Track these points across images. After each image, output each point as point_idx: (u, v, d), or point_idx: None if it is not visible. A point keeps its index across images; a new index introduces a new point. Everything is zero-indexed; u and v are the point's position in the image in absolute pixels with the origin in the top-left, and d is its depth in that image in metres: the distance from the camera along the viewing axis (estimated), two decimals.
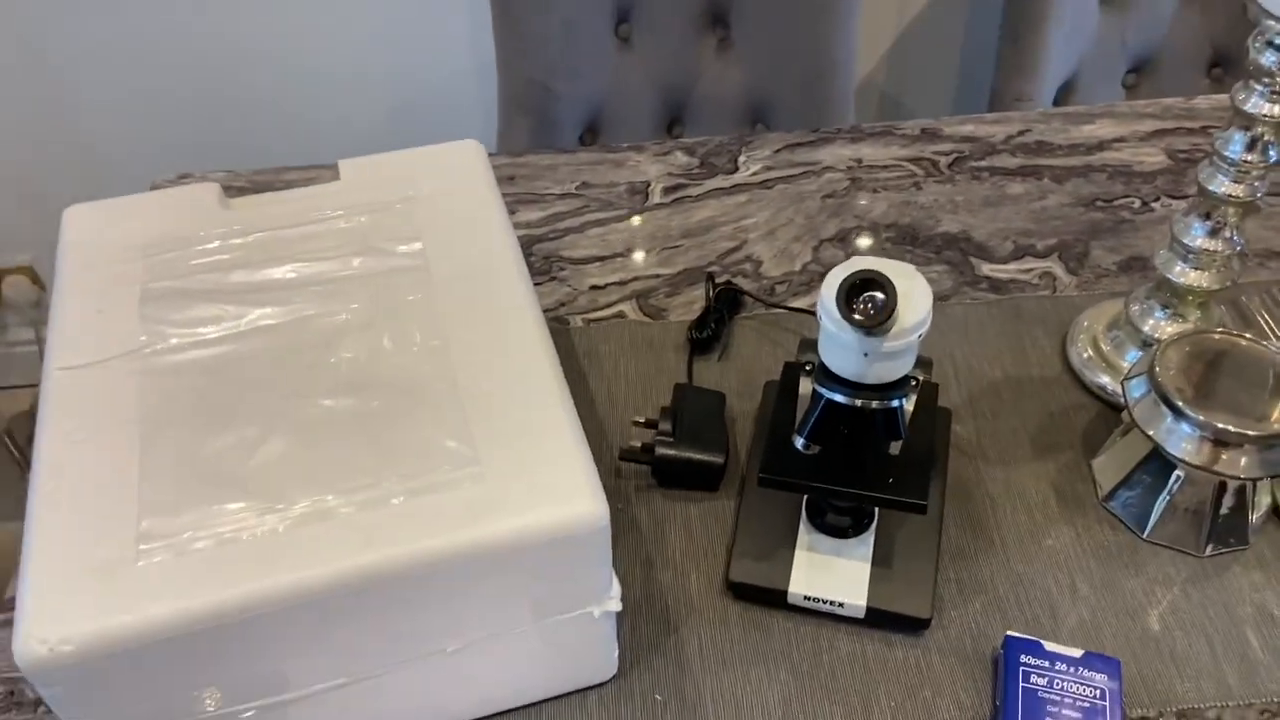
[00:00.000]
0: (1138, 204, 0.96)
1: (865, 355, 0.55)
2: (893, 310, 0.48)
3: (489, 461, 0.55)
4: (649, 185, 0.99)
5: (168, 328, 0.62)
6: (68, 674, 0.49)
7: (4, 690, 0.65)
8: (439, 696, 0.60)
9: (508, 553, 0.53)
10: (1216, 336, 0.69)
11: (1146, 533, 0.71)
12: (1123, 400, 0.69)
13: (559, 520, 0.53)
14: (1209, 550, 0.70)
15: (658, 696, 0.64)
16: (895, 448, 0.62)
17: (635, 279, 0.90)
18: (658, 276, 0.90)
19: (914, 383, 0.60)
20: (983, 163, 1.01)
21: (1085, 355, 0.81)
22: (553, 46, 1.30)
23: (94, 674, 0.49)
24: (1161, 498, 0.70)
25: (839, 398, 0.57)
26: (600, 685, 0.64)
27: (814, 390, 0.59)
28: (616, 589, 0.59)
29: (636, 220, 0.96)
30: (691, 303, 0.88)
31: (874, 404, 0.57)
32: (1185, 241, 0.73)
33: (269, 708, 0.55)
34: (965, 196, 0.97)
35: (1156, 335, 0.77)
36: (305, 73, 1.54)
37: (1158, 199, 0.96)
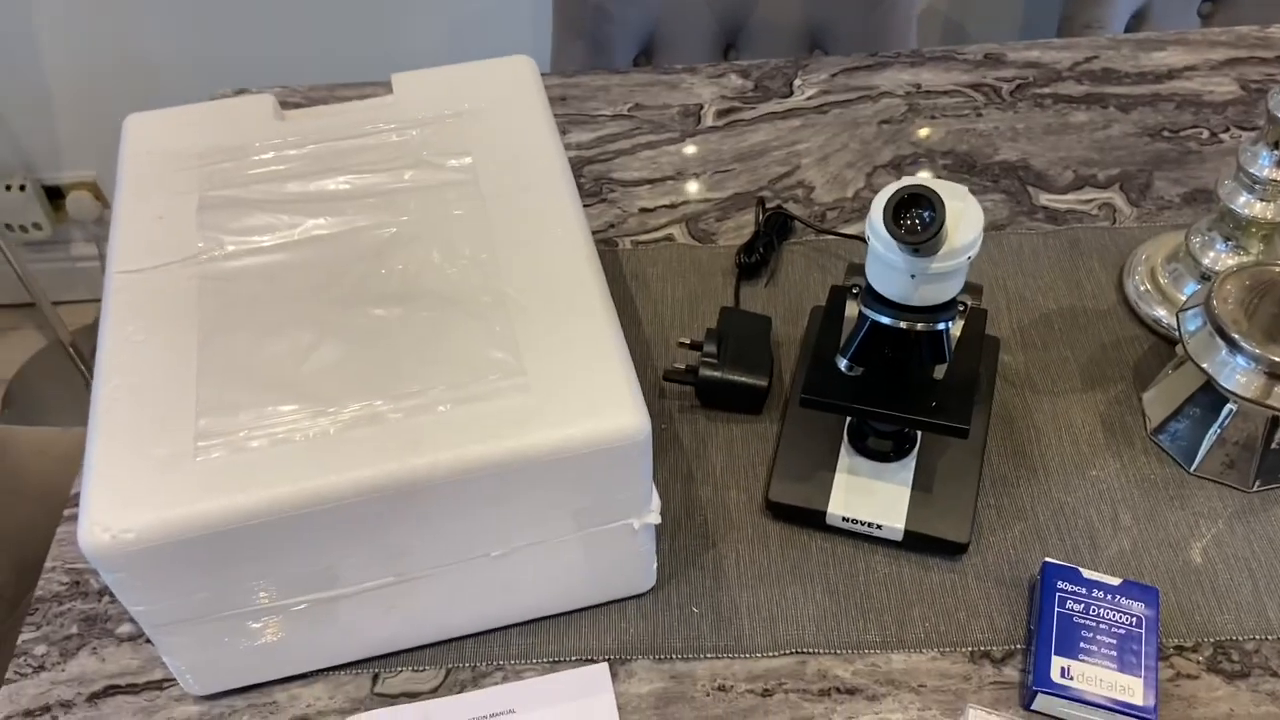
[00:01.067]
0: (1206, 134, 0.93)
1: (912, 277, 0.55)
2: (941, 226, 0.48)
3: (534, 373, 0.56)
4: (702, 108, 0.98)
5: (224, 235, 0.63)
6: (129, 560, 0.51)
7: (69, 580, 0.68)
8: (482, 600, 0.62)
9: (550, 462, 0.54)
10: (1277, 269, 0.67)
11: (1194, 466, 0.70)
12: (1177, 332, 0.68)
13: (600, 432, 0.54)
14: (1257, 485, 0.69)
15: (695, 609, 0.65)
16: (939, 371, 0.61)
17: (685, 202, 0.90)
18: (708, 200, 0.90)
19: (961, 307, 0.59)
20: (1046, 90, 0.98)
21: (1142, 288, 0.80)
22: None
23: (153, 561, 0.51)
24: (1211, 432, 0.69)
25: (884, 319, 0.57)
26: (639, 596, 0.66)
27: (859, 312, 0.59)
28: (656, 502, 0.60)
29: (688, 143, 0.95)
30: (741, 227, 0.88)
31: (919, 326, 0.57)
32: (1252, 171, 0.71)
33: (319, 602, 0.58)
34: (1026, 124, 0.95)
35: (1216, 268, 0.75)
36: None
37: (1227, 130, 0.93)
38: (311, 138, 0.69)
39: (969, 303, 0.61)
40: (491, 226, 0.63)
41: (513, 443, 0.53)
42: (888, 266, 0.55)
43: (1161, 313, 0.78)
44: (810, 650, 0.64)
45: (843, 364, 0.61)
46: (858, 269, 0.65)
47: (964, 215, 0.54)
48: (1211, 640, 0.63)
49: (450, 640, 0.64)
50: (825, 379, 0.62)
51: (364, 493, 0.52)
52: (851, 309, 0.63)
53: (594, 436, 0.54)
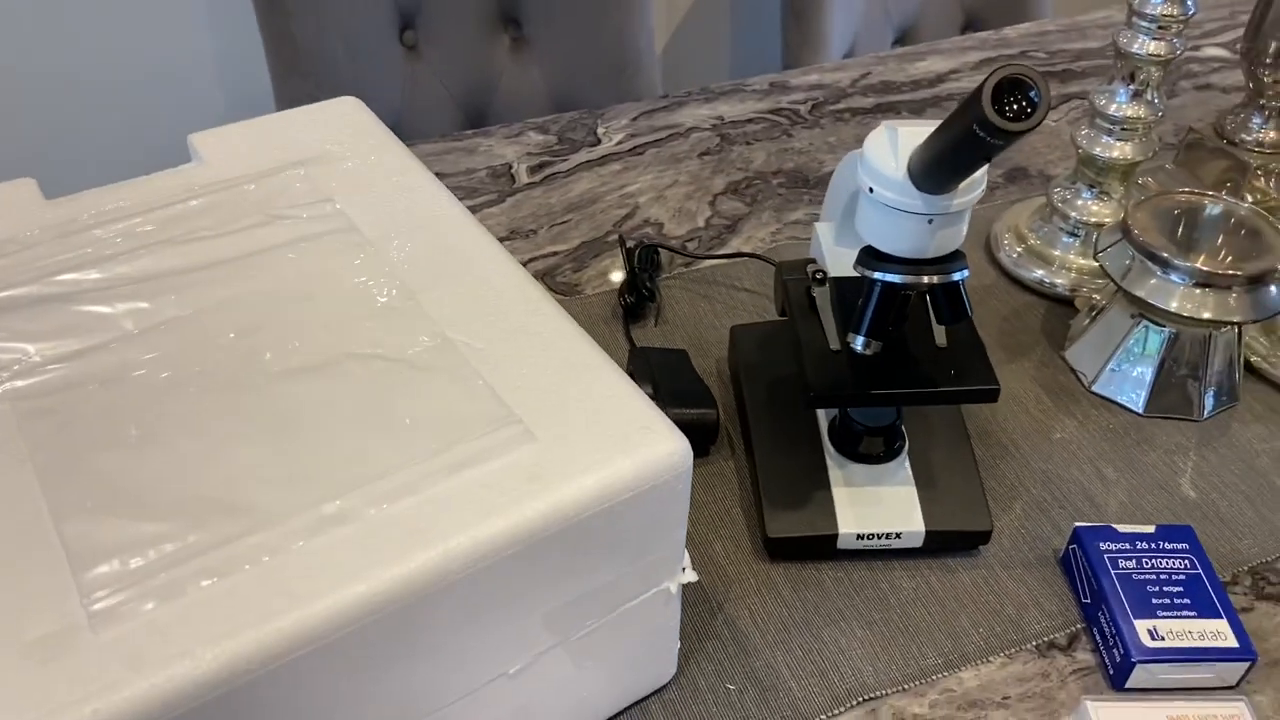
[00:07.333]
0: None
1: (930, 222, 0.48)
2: (1047, 109, 0.41)
3: (530, 416, 0.43)
4: (511, 166, 0.89)
5: (24, 343, 0.45)
6: None
7: None
8: None
9: (591, 518, 0.41)
10: (1179, 196, 0.68)
11: (1142, 407, 0.68)
12: (1105, 274, 0.67)
13: (642, 465, 0.42)
14: (1206, 413, 0.68)
15: (729, 686, 0.54)
16: (940, 336, 0.55)
17: (532, 259, 0.80)
18: (555, 253, 0.80)
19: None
20: (840, 105, 0.98)
21: (1014, 254, 0.79)
22: (334, 61, 1.17)
23: None
24: (1151, 370, 0.67)
25: (895, 279, 0.50)
26: (661, 690, 0.53)
27: (867, 278, 0.51)
28: (686, 557, 0.49)
29: (509, 203, 0.85)
30: (602, 274, 0.78)
31: (935, 279, 0.50)
32: (1110, 113, 0.72)
33: None
34: (837, 137, 0.94)
35: (1085, 218, 0.76)
36: (63, 98, 1.32)
37: None
38: (103, 218, 0.52)
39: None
40: (396, 270, 0.50)
41: (542, 503, 0.40)
42: (901, 216, 0.48)
43: (1040, 273, 0.77)
44: (876, 694, 0.54)
45: (859, 343, 0.52)
46: (795, 265, 0.58)
47: None
48: (1246, 568, 0.60)
49: None
50: (827, 371, 0.54)
51: (359, 616, 0.37)
52: (822, 296, 0.56)
53: (634, 473, 0.42)
